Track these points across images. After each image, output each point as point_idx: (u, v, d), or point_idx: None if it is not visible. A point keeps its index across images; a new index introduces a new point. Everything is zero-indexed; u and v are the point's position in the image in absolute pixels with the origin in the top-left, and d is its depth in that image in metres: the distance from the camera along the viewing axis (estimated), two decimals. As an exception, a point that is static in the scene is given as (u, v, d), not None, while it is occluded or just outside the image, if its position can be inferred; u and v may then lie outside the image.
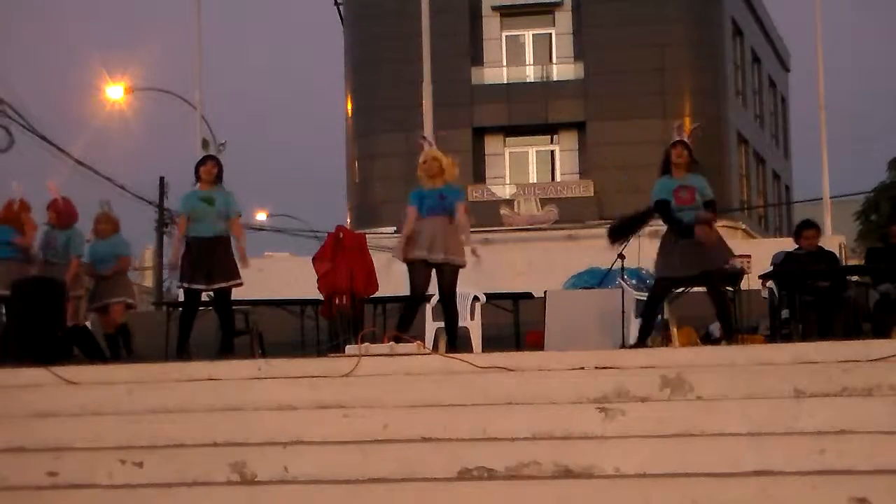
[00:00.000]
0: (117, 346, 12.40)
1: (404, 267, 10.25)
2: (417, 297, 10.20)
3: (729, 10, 38.62)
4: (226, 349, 10.86)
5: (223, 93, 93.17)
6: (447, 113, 27.41)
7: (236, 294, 11.51)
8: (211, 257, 10.90)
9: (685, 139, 10.29)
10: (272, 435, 7.70)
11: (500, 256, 26.13)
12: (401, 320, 10.07)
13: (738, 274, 11.13)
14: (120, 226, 12.78)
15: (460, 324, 11.72)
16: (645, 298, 11.93)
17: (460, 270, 10.30)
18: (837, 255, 13.40)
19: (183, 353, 10.70)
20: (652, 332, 10.29)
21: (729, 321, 10.14)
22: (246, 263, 11.11)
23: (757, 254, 12.81)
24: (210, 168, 11.05)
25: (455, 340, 10.14)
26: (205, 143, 11.58)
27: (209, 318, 11.37)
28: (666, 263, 10.07)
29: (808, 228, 12.18)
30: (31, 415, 8.29)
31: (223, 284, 10.89)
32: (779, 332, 11.45)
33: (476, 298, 12.28)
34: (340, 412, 7.79)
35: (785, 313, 11.62)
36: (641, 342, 10.06)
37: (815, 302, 11.47)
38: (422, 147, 10.75)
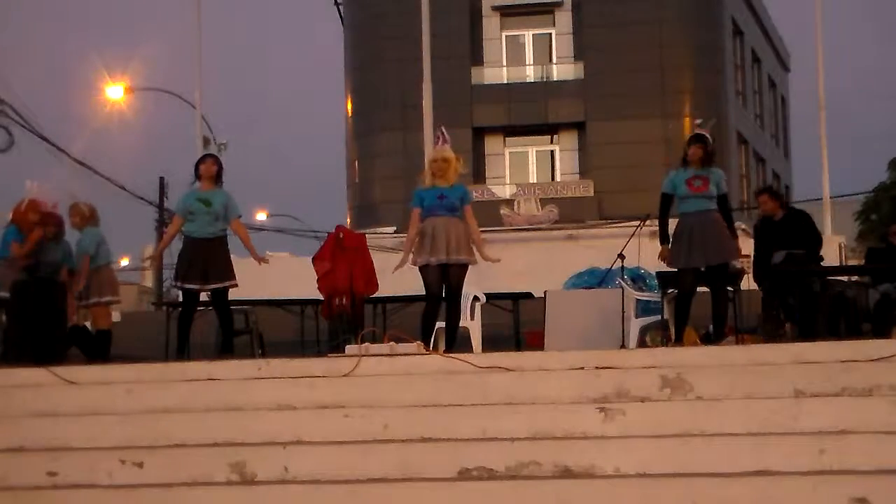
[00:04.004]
0: (103, 345, 12.14)
1: (404, 267, 10.22)
2: (433, 297, 10.12)
3: (729, 10, 38.63)
4: (226, 349, 10.85)
5: (223, 93, 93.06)
6: (447, 113, 27.38)
7: (237, 294, 11.49)
8: (206, 257, 10.86)
9: (704, 133, 10.29)
10: (272, 435, 7.70)
11: (500, 256, 26.15)
12: (424, 330, 10.02)
13: (738, 274, 11.13)
14: (90, 218, 12.30)
15: (461, 324, 11.73)
16: (645, 298, 11.96)
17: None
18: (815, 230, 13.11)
19: (183, 353, 10.68)
20: (686, 325, 10.24)
21: (723, 322, 10.11)
22: (263, 258, 11.13)
23: (757, 254, 12.79)
24: (209, 166, 10.98)
25: (454, 341, 10.09)
26: (206, 142, 11.54)
27: (209, 319, 11.36)
28: (676, 254, 10.10)
29: (759, 195, 12.13)
30: (31, 415, 8.29)
31: (217, 285, 10.85)
32: (774, 332, 11.48)
33: (476, 298, 12.28)
34: (340, 412, 7.79)
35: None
36: (678, 339, 10.06)
37: (802, 300, 11.43)
38: (438, 140, 10.65)
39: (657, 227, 10.42)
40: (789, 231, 11.69)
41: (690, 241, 10.01)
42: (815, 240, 12.01)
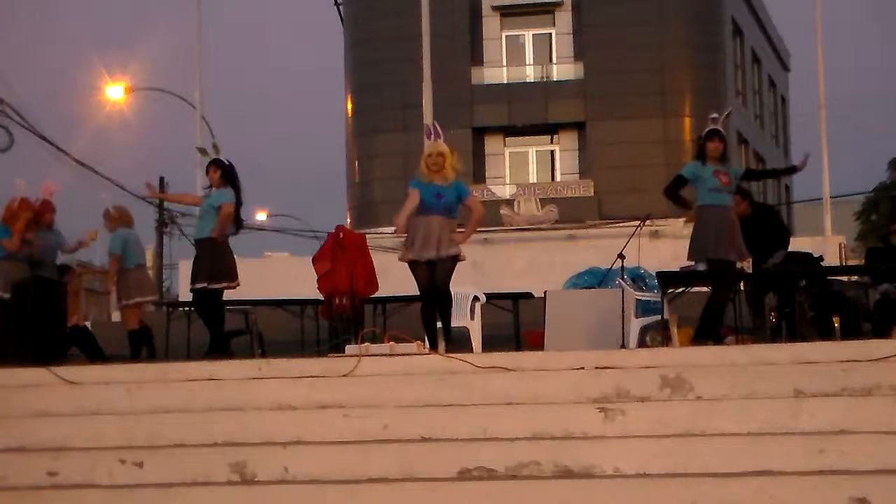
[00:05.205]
0: (138, 344, 12.40)
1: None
2: (426, 293, 10.03)
3: (729, 10, 38.62)
4: (211, 349, 10.88)
5: (223, 93, 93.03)
6: (447, 113, 27.38)
7: (237, 294, 11.57)
8: (197, 259, 11.25)
9: (720, 128, 10.17)
10: (272, 435, 7.70)
11: (500, 256, 26.20)
12: (425, 324, 10.00)
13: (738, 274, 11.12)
14: (119, 220, 12.56)
15: (461, 324, 11.71)
16: (645, 298, 11.94)
17: (461, 269, 10.17)
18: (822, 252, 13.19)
19: (225, 349, 10.95)
20: (721, 322, 10.05)
21: (710, 321, 9.84)
22: (216, 233, 11.12)
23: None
24: (212, 173, 11.33)
25: (449, 336, 9.99)
26: (202, 152, 11.69)
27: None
28: (711, 246, 9.89)
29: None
30: (31, 415, 8.30)
31: (198, 286, 11.06)
32: (762, 325, 11.50)
33: (476, 298, 12.27)
34: (340, 412, 7.79)
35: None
36: (717, 338, 9.81)
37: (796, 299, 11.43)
38: (430, 133, 10.51)
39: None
40: (758, 228, 11.65)
41: (719, 234, 9.90)
42: (784, 234, 12.01)
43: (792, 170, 11.45)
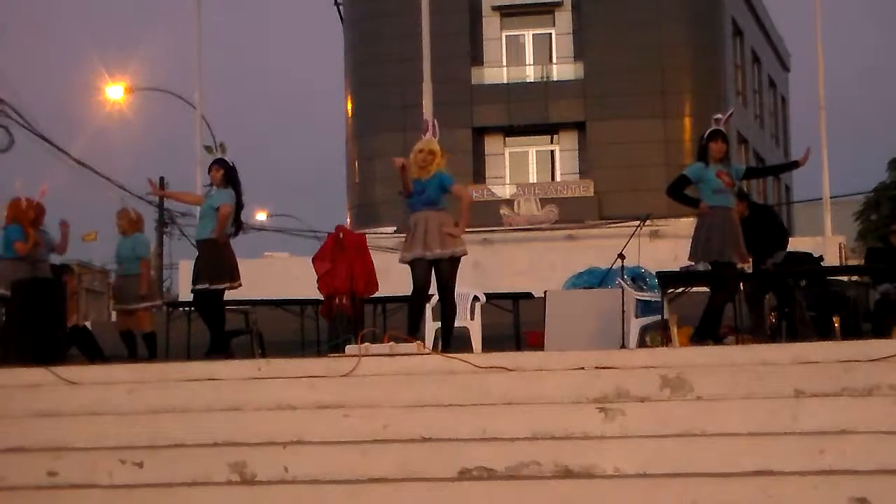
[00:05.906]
0: (133, 345, 12.44)
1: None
2: (419, 292, 9.92)
3: (729, 10, 38.63)
4: (211, 349, 10.87)
5: (223, 93, 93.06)
6: (447, 113, 27.38)
7: (237, 294, 11.57)
8: (199, 259, 11.26)
9: (722, 128, 10.14)
10: (272, 435, 7.70)
11: (500, 256, 26.20)
12: (409, 323, 9.86)
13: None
14: (137, 223, 12.79)
15: (460, 324, 11.71)
16: (645, 298, 11.94)
17: (461, 269, 10.10)
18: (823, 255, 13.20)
19: (224, 350, 10.94)
20: (719, 323, 10.08)
21: (710, 322, 9.82)
22: (216, 234, 11.10)
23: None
24: (215, 172, 11.32)
25: (450, 338, 9.92)
26: (209, 149, 11.69)
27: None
28: (716, 248, 9.87)
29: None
30: (31, 415, 8.30)
31: (199, 286, 11.07)
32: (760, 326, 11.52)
33: (476, 298, 12.27)
34: (340, 412, 7.79)
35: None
36: (716, 338, 9.82)
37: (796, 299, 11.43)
38: (426, 129, 10.40)
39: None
40: (756, 228, 11.64)
41: (722, 236, 9.87)
42: (782, 234, 11.99)
43: (793, 165, 11.47)
